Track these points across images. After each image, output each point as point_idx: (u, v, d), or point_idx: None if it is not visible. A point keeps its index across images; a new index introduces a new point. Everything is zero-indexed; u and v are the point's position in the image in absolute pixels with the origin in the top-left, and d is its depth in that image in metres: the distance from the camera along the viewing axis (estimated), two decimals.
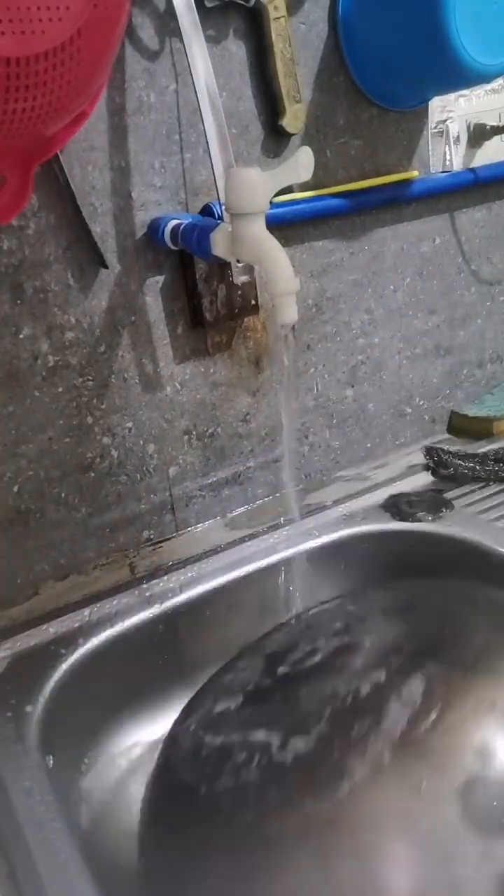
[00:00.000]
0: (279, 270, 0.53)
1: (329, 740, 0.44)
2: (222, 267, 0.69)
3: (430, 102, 0.78)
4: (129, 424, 0.72)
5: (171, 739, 0.53)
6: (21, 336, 0.64)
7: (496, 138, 0.83)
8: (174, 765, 0.51)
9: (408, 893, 0.37)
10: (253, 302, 0.72)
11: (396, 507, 0.76)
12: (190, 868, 0.44)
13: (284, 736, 0.45)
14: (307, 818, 0.40)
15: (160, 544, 0.76)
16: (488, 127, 0.82)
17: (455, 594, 0.55)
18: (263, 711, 0.49)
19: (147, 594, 0.67)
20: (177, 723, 0.54)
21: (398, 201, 0.80)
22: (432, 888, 0.36)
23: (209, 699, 0.53)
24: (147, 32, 0.62)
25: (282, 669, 0.52)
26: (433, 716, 0.41)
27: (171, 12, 0.60)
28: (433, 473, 0.82)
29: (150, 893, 0.47)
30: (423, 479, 0.82)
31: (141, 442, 0.73)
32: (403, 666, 0.46)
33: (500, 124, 0.83)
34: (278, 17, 0.65)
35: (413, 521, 0.74)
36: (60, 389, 0.67)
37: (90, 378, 0.68)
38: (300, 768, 0.43)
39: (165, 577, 0.69)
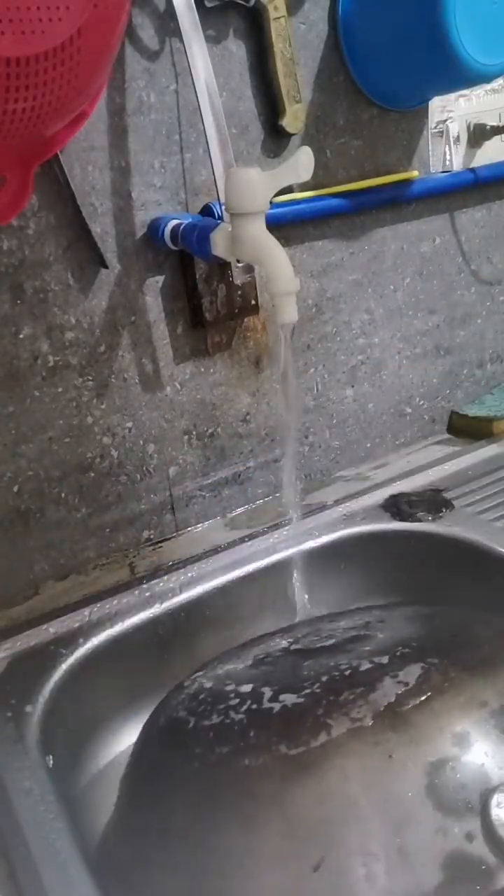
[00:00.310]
0: (279, 270, 0.53)
1: (318, 699, 0.46)
2: (222, 267, 0.69)
3: (430, 102, 0.78)
4: (129, 424, 0.72)
5: (178, 685, 0.55)
6: (21, 336, 0.64)
7: (496, 138, 0.83)
8: (173, 703, 0.53)
9: (356, 845, 0.38)
10: (253, 302, 0.72)
11: (396, 507, 0.76)
12: (167, 787, 0.46)
13: (278, 691, 0.48)
14: (280, 759, 0.42)
15: (160, 544, 0.76)
16: (488, 127, 0.82)
17: (467, 617, 0.56)
18: (266, 672, 0.52)
19: (147, 594, 0.67)
20: (188, 676, 0.57)
21: (398, 201, 0.80)
22: (380, 847, 0.37)
23: (220, 661, 0.56)
24: (147, 32, 0.62)
25: (294, 646, 0.55)
26: (422, 698, 0.43)
27: (171, 12, 0.60)
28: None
29: (125, 806, 0.50)
30: (423, 479, 0.82)
31: (141, 442, 0.73)
32: (408, 655, 0.48)
33: (500, 124, 0.83)
34: (278, 17, 0.65)
35: (413, 521, 0.74)
36: (60, 389, 0.67)
37: (90, 378, 0.68)
38: (284, 717, 0.46)
39: (165, 577, 0.69)
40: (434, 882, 0.36)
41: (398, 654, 0.49)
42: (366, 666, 0.48)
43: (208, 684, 0.53)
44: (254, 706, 0.48)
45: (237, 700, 0.49)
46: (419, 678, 0.44)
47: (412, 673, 0.45)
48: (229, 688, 0.51)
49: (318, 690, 0.47)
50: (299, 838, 0.39)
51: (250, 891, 0.39)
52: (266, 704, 0.48)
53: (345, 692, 0.45)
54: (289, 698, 0.47)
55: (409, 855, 0.37)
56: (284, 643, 0.56)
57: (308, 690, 0.47)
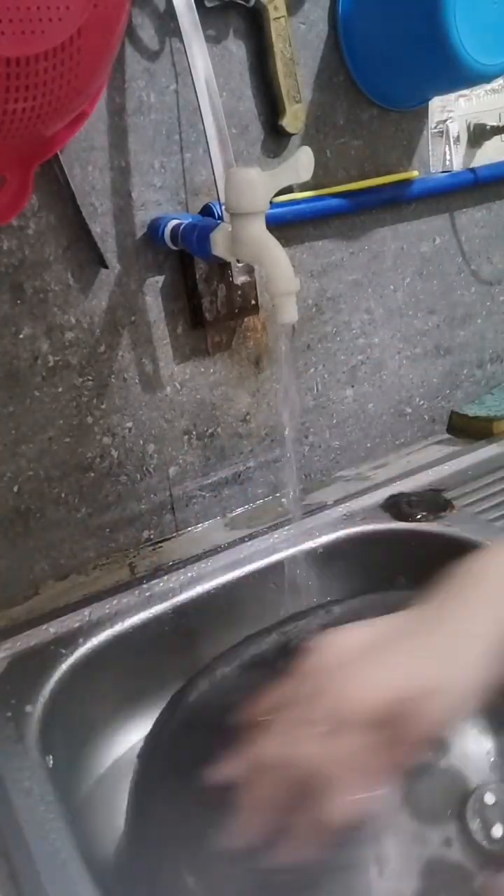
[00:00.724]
0: (279, 270, 0.53)
1: None
2: (222, 267, 0.69)
3: (430, 102, 0.78)
4: (129, 424, 0.72)
5: (179, 690, 0.56)
6: (21, 336, 0.64)
7: (496, 138, 0.83)
8: (171, 711, 0.54)
9: (335, 856, 0.37)
10: (253, 302, 0.72)
11: (396, 507, 0.76)
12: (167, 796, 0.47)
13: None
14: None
15: (160, 544, 0.76)
16: (488, 127, 0.82)
17: None
18: (261, 675, 0.52)
19: (147, 594, 0.67)
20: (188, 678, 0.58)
21: (398, 201, 0.80)
22: (359, 858, 0.37)
23: (217, 664, 0.57)
24: (147, 32, 0.62)
25: (290, 643, 0.56)
26: None
27: (171, 12, 0.60)
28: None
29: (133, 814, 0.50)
30: (423, 479, 0.82)
31: (141, 442, 0.73)
32: None
33: (500, 124, 0.83)
34: (278, 17, 0.65)
35: (413, 521, 0.74)
36: (60, 389, 0.67)
37: (90, 378, 0.68)
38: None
39: (165, 577, 0.69)
40: (413, 889, 0.36)
41: None
42: None
43: (201, 696, 0.53)
44: (245, 715, 0.47)
45: (229, 707, 0.48)
46: None
47: None
48: (218, 699, 0.51)
49: None
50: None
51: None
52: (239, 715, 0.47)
53: None
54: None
55: (388, 864, 0.37)
56: (273, 641, 0.57)
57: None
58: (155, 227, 0.66)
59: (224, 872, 0.40)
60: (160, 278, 0.69)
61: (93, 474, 0.71)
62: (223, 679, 0.54)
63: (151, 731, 0.54)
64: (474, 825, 0.36)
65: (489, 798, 0.37)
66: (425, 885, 0.36)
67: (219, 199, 0.62)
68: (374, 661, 0.37)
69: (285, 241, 0.73)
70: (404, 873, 0.37)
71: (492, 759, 0.40)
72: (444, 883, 0.36)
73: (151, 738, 0.53)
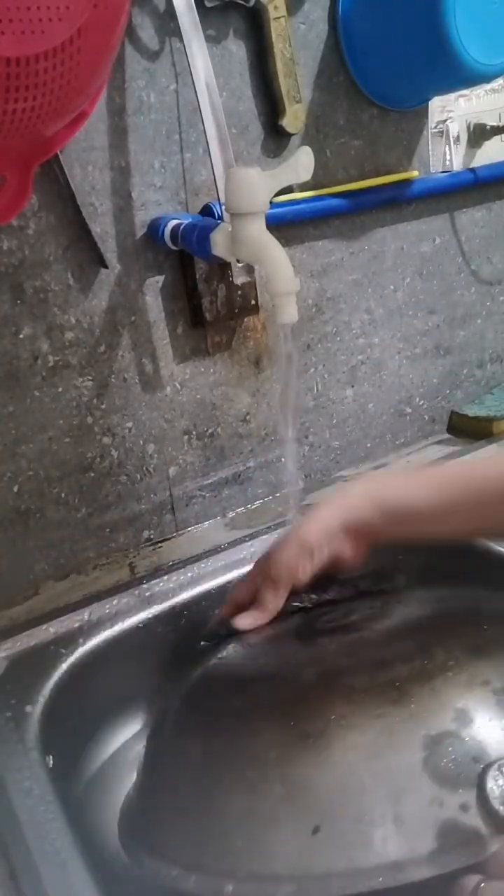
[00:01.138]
0: (279, 270, 0.53)
1: (325, 674, 0.48)
2: (222, 267, 0.69)
3: (430, 102, 0.78)
4: (129, 424, 0.72)
5: (195, 663, 0.58)
6: (21, 336, 0.64)
7: (496, 138, 0.83)
8: (187, 680, 0.55)
9: (354, 812, 0.39)
10: (253, 302, 0.72)
11: None
12: (180, 757, 0.49)
13: (288, 666, 0.51)
14: (284, 728, 0.44)
15: (160, 544, 0.76)
16: (488, 127, 0.82)
17: (480, 600, 0.57)
18: (276, 650, 0.56)
19: (147, 594, 0.67)
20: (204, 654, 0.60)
21: (398, 201, 0.80)
22: (377, 815, 0.38)
23: (234, 639, 0.59)
24: (147, 32, 0.62)
25: (309, 625, 0.58)
26: (425, 675, 0.44)
27: (171, 12, 0.60)
28: None
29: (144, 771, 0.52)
30: None
31: (141, 442, 0.73)
32: (416, 634, 0.50)
33: (500, 124, 0.83)
34: (278, 17, 0.65)
35: None
36: (60, 389, 0.67)
37: (90, 378, 0.68)
38: (291, 689, 0.48)
39: (165, 577, 0.69)
40: (428, 848, 0.37)
41: (407, 633, 0.51)
42: (375, 644, 0.50)
43: (222, 660, 0.55)
44: (264, 680, 0.50)
45: (249, 674, 0.52)
46: (424, 657, 0.45)
47: (418, 652, 0.46)
48: (243, 662, 0.54)
49: (325, 666, 0.49)
50: (300, 804, 0.40)
51: (251, 851, 0.40)
52: (277, 678, 0.50)
53: (351, 668, 0.47)
54: (298, 672, 0.49)
55: (404, 823, 0.38)
56: (299, 619, 0.59)
57: (316, 665, 0.49)
58: (155, 227, 0.66)
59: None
60: (160, 278, 0.69)
61: (93, 474, 0.71)
62: (248, 645, 0.56)
63: (171, 688, 0.56)
64: (493, 793, 0.37)
65: None
66: (440, 844, 0.37)
67: (219, 199, 0.62)
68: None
69: (285, 241, 0.73)
70: (420, 832, 0.38)
71: None
72: (458, 845, 0.37)
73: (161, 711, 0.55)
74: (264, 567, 0.58)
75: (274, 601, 0.57)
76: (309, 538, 0.56)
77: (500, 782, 0.38)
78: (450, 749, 0.40)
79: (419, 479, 0.60)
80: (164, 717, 0.54)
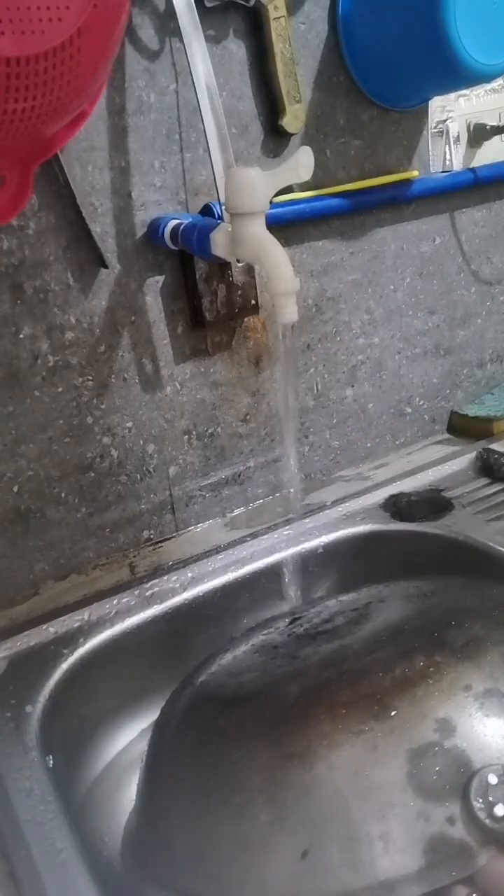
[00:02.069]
0: (279, 270, 0.53)
1: (307, 690, 0.47)
2: (222, 267, 0.69)
3: (430, 102, 0.78)
4: (129, 424, 0.72)
5: (184, 681, 0.58)
6: (21, 336, 0.64)
7: (496, 138, 0.83)
8: (176, 701, 0.55)
9: (342, 833, 0.39)
10: (253, 302, 0.72)
11: (396, 507, 0.76)
12: (170, 780, 0.49)
13: (271, 682, 0.50)
14: (270, 750, 0.44)
15: (160, 544, 0.76)
16: (488, 127, 0.82)
17: (465, 590, 0.56)
18: (263, 662, 0.54)
19: (147, 594, 0.67)
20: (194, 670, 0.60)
21: (398, 201, 0.80)
22: (364, 834, 0.38)
23: (222, 652, 0.59)
24: (147, 32, 0.62)
25: (294, 630, 0.57)
26: (406, 685, 0.44)
27: (171, 12, 0.60)
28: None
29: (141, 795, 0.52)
30: (423, 479, 0.82)
31: (141, 442, 0.73)
32: (398, 638, 0.49)
33: (500, 124, 0.83)
34: (278, 17, 0.65)
35: (413, 521, 0.74)
36: (60, 389, 0.67)
37: (90, 378, 0.68)
38: (275, 709, 0.47)
39: (165, 577, 0.69)
40: (416, 865, 0.37)
41: (389, 637, 0.50)
42: (356, 653, 0.49)
43: (211, 677, 0.55)
44: (248, 699, 0.49)
45: (233, 693, 0.51)
46: (404, 664, 0.45)
47: (399, 659, 0.46)
48: (228, 680, 0.53)
49: (307, 681, 0.48)
50: (288, 827, 0.40)
51: (241, 878, 0.40)
52: (260, 697, 0.49)
53: (332, 682, 0.47)
54: (281, 690, 0.48)
55: (392, 840, 0.38)
56: (284, 628, 0.58)
57: (299, 681, 0.48)
58: (155, 227, 0.66)
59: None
60: (160, 278, 0.69)
61: (93, 474, 0.71)
62: (234, 660, 0.56)
63: (163, 709, 0.56)
64: (478, 804, 0.37)
65: (493, 779, 0.38)
66: (428, 859, 0.37)
67: (219, 199, 0.62)
68: None
69: (285, 241, 0.73)
70: (408, 849, 0.38)
71: (496, 741, 0.40)
72: (447, 859, 0.37)
73: (163, 717, 0.55)
74: None
75: None
76: None
77: (484, 793, 0.38)
78: (433, 761, 0.40)
79: None
80: (158, 738, 0.53)
